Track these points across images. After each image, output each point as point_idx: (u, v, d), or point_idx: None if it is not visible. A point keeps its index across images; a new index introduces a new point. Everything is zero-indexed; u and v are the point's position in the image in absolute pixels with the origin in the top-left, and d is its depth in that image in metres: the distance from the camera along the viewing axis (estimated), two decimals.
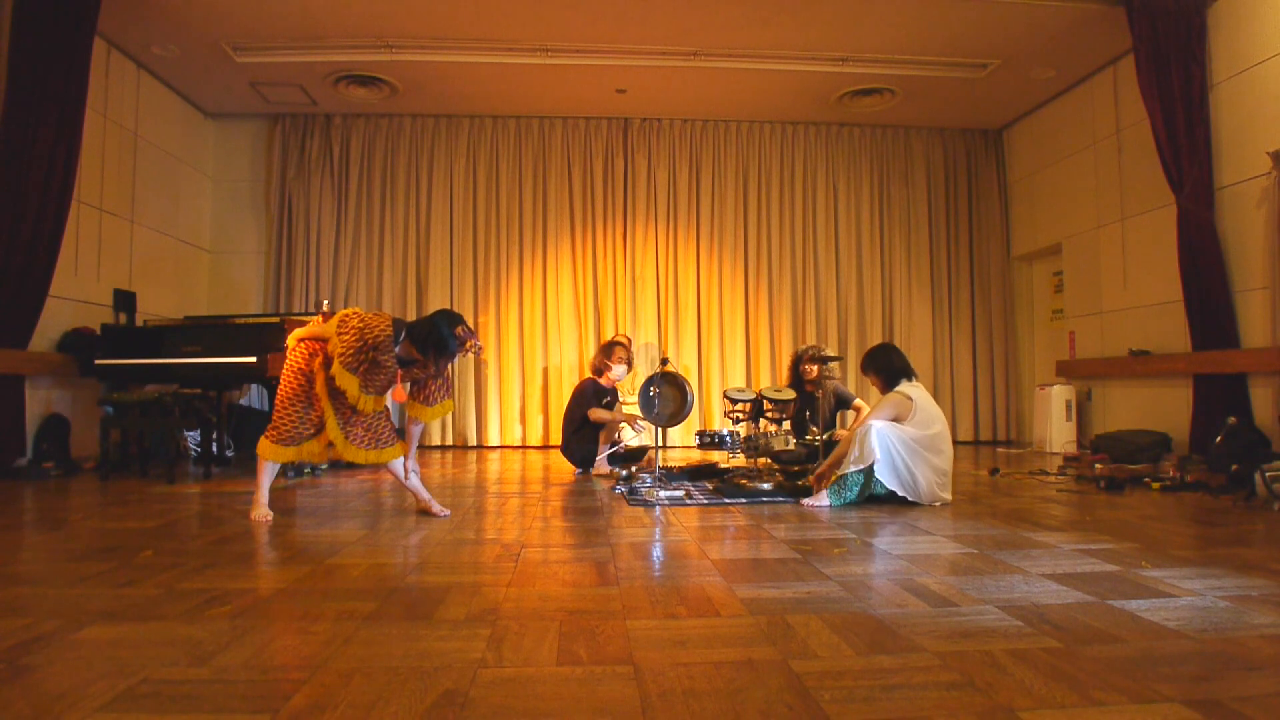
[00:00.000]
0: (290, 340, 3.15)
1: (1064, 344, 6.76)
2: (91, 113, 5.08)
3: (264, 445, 3.06)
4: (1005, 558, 2.35)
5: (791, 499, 3.59)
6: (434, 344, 2.96)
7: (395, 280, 7.14)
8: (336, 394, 3.05)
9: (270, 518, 3.06)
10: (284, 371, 3.10)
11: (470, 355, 3.05)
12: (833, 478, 3.48)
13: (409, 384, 3.21)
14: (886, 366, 3.69)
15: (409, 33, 5.67)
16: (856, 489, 3.41)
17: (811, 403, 4.77)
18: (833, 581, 2.06)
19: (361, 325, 2.95)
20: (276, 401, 3.09)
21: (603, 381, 4.99)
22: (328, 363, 3.02)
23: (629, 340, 5.23)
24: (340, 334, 2.96)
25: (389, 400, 3.22)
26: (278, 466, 3.17)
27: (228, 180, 7.18)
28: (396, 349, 3.00)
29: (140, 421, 4.57)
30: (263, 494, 3.11)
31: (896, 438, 3.38)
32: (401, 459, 3.21)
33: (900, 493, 3.38)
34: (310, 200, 7.07)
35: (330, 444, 3.10)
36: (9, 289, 4.45)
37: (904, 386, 3.58)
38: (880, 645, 1.55)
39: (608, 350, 5.04)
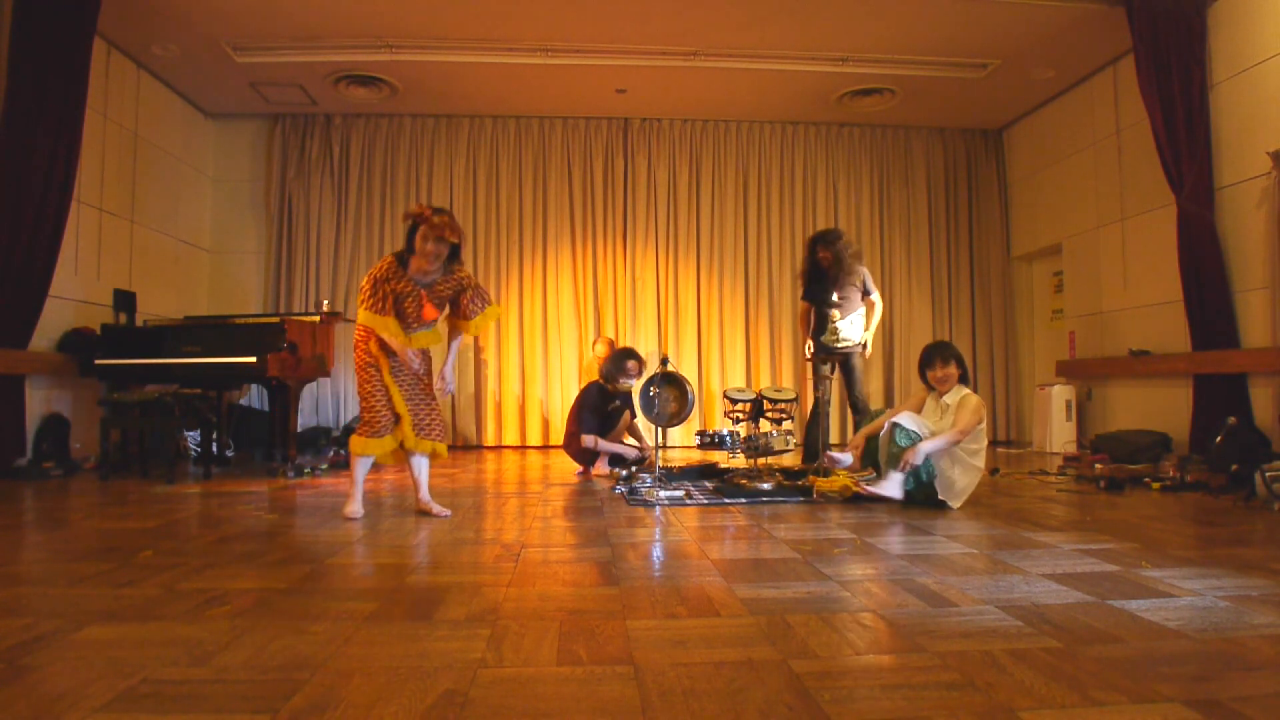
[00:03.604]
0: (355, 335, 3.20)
1: (1064, 344, 6.76)
2: (91, 113, 5.08)
3: (355, 441, 3.08)
4: (1005, 558, 2.35)
5: (791, 499, 3.59)
6: (407, 242, 3.02)
7: None
8: (398, 372, 3.08)
9: (360, 514, 3.09)
10: (355, 368, 3.15)
11: (430, 228, 2.97)
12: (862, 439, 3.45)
13: (442, 305, 3.19)
14: (963, 361, 3.61)
15: (409, 33, 5.67)
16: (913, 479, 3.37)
17: (824, 279, 4.94)
18: (833, 581, 2.06)
19: (368, 273, 3.05)
20: (359, 397, 3.14)
21: (609, 388, 4.86)
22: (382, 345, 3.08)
23: (641, 359, 4.96)
24: (359, 297, 3.05)
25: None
26: (370, 462, 3.15)
27: (228, 180, 7.18)
28: (407, 271, 3.04)
29: (140, 421, 4.57)
30: (356, 489, 3.14)
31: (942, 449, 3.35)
32: (426, 459, 3.21)
33: (937, 489, 3.34)
34: (310, 200, 7.07)
35: (401, 444, 3.13)
36: (9, 289, 4.45)
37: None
38: (880, 645, 1.55)
39: (619, 362, 4.82)
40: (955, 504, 3.33)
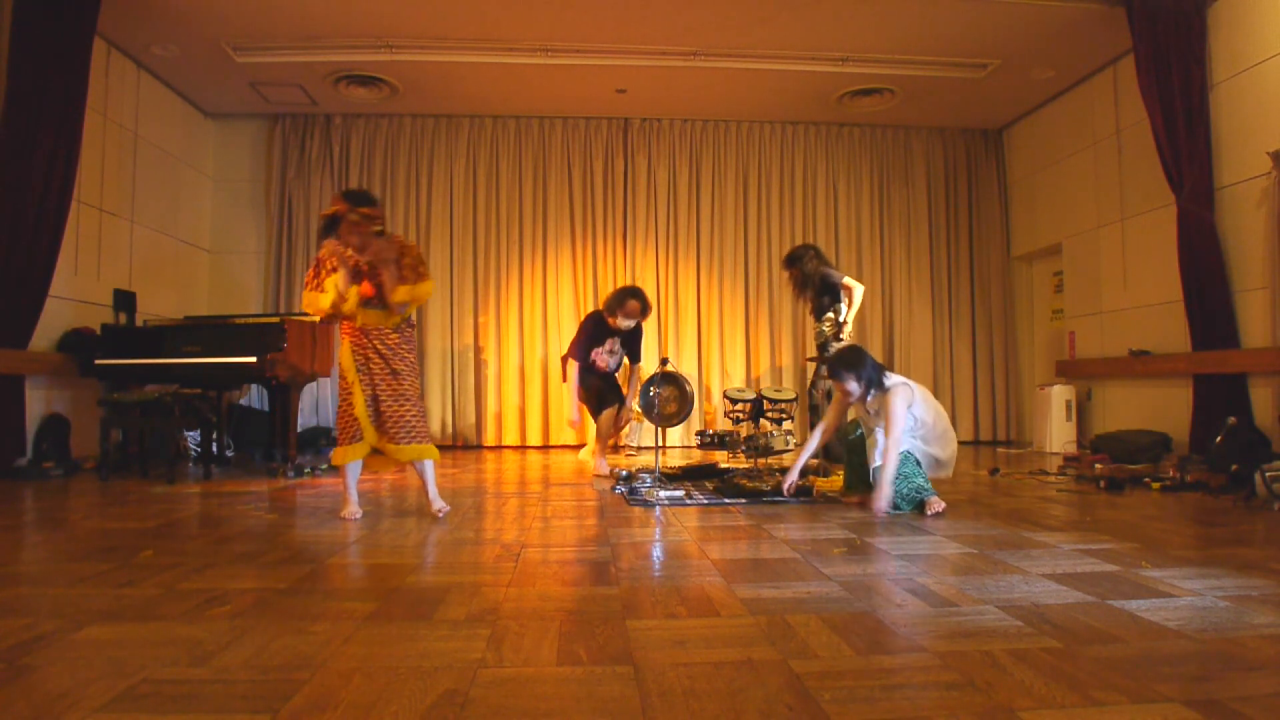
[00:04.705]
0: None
1: (1064, 344, 6.76)
2: (91, 113, 5.08)
3: (335, 453, 3.12)
4: (1005, 558, 2.35)
5: (791, 499, 3.59)
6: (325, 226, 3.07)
7: None
8: (364, 370, 3.08)
9: (359, 515, 3.11)
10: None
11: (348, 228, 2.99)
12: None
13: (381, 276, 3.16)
14: (870, 366, 3.32)
15: (409, 33, 5.67)
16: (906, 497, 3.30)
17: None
18: (833, 581, 2.06)
19: (311, 265, 3.16)
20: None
21: (610, 322, 4.74)
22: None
23: (646, 304, 4.77)
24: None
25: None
26: (357, 467, 3.18)
27: (228, 180, 7.18)
28: (335, 254, 3.06)
29: (140, 421, 4.56)
30: (349, 493, 3.16)
31: (916, 450, 3.33)
32: (432, 463, 3.19)
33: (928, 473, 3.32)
34: (310, 200, 7.07)
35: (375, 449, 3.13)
36: (9, 289, 4.45)
37: (893, 378, 3.31)
38: (880, 645, 1.55)
39: (621, 299, 4.69)
40: (947, 473, 3.38)
